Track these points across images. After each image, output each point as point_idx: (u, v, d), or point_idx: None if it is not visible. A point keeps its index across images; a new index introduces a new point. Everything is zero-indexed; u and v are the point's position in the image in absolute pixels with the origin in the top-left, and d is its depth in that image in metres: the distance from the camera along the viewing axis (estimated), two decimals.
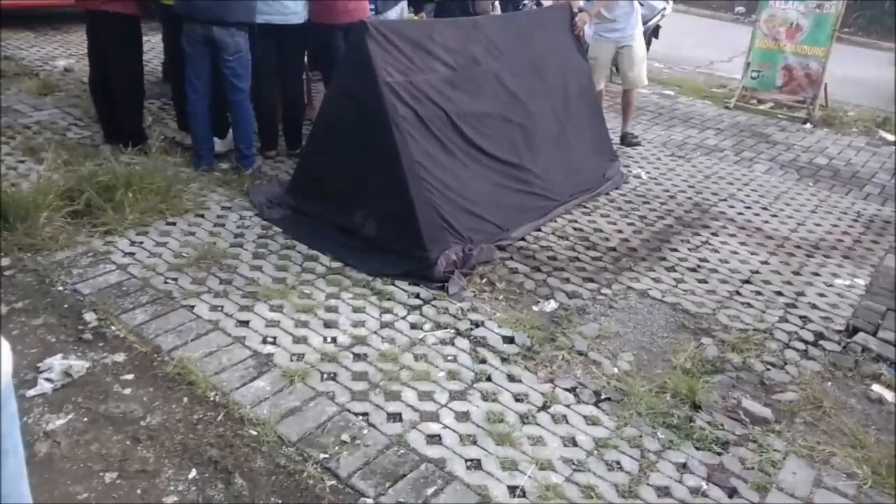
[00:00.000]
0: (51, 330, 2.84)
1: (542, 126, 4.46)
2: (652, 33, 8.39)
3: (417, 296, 3.33)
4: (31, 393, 2.50)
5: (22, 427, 2.29)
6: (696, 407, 2.78)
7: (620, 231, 4.23)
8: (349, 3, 4.39)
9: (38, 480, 2.14)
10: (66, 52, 6.63)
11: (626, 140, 5.79)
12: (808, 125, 6.99)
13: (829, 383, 3.04)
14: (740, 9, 14.49)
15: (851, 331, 3.40)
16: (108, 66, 4.42)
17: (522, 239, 3.98)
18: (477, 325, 3.15)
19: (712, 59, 10.14)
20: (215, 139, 4.53)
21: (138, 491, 2.17)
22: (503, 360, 2.94)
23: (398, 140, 3.56)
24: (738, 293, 3.66)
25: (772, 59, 7.37)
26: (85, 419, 2.42)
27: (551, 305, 3.38)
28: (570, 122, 4.70)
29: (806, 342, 3.30)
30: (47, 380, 2.56)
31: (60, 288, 3.10)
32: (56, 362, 2.63)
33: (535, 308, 3.35)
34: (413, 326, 3.10)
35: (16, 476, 1.22)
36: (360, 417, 2.53)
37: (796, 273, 3.96)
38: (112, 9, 4.19)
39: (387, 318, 3.14)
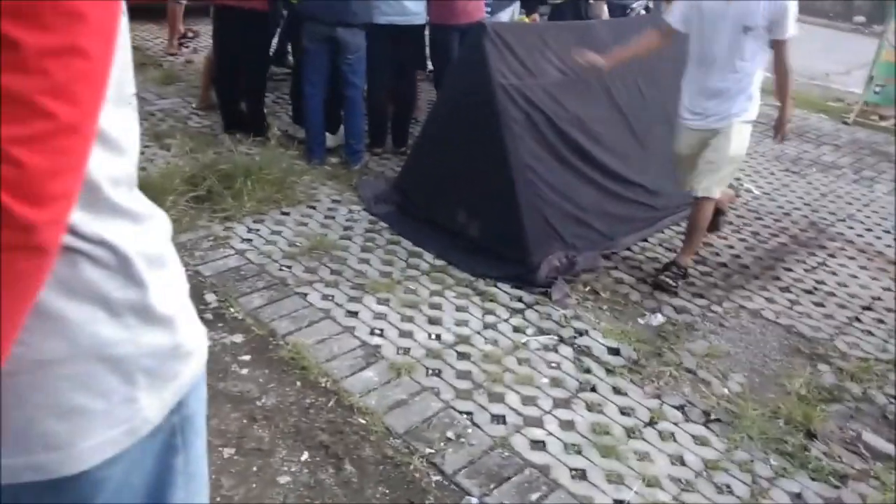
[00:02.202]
0: None
1: (653, 134, 4.36)
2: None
3: (520, 299, 3.32)
4: None
5: None
6: (812, 436, 2.66)
7: (731, 246, 4.09)
8: (468, 4, 4.43)
9: None
10: (187, 46, 6.96)
11: (668, 273, 3.55)
12: None
13: None
14: (860, 18, 13.75)
15: None
16: (235, 60, 4.62)
17: (628, 249, 3.91)
18: (581, 334, 3.12)
19: (828, 72, 9.65)
20: (327, 134, 4.66)
21: (254, 468, 2.26)
22: (608, 371, 2.89)
23: (509, 142, 3.57)
24: (857, 319, 3.48)
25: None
26: (206, 395, 2.53)
27: (658, 319, 3.31)
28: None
29: None
30: None
31: (183, 268, 3.26)
32: None
33: (640, 321, 3.29)
34: (516, 330, 3.10)
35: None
36: (465, 416, 2.55)
37: None
38: (243, 4, 4.38)
39: (489, 319, 3.15)
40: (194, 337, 0.90)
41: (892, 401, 2.91)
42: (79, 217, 0.68)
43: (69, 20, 0.58)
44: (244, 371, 2.68)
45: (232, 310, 3.00)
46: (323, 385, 2.63)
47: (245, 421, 2.45)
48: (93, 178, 0.69)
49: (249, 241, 3.54)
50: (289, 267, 3.35)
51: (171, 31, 6.71)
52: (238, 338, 2.85)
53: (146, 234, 0.81)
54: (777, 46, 3.33)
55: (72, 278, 0.71)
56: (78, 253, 0.71)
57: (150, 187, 3.62)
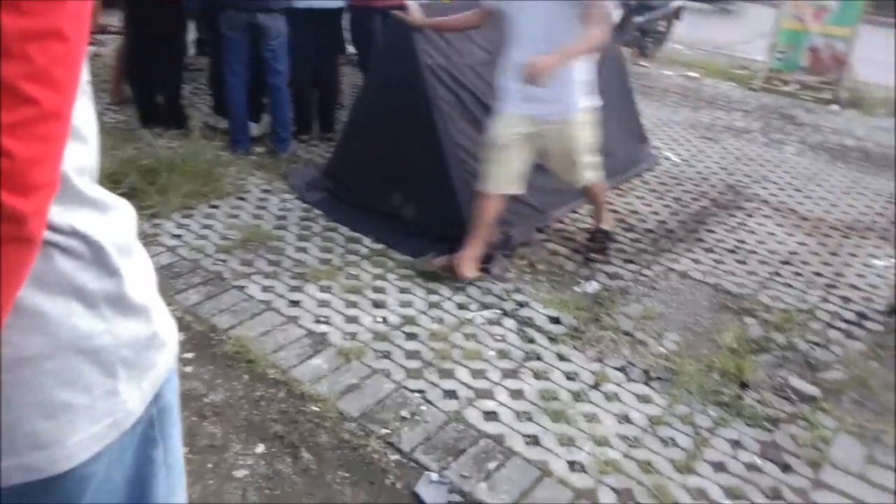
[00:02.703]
0: None
1: None
2: (675, 14, 8.38)
3: None
4: None
5: None
6: (745, 385, 2.81)
7: (656, 213, 4.25)
8: None
9: None
10: (94, 38, 6.65)
11: (594, 245, 3.67)
12: (836, 106, 6.96)
13: (874, 362, 3.06)
14: None
15: (893, 310, 3.42)
16: (149, 51, 4.45)
17: (560, 221, 4.01)
18: (522, 306, 3.18)
19: (733, 41, 10.08)
20: (251, 123, 4.57)
21: (209, 465, 2.23)
22: (551, 339, 2.97)
23: (438, 123, 3.59)
24: (777, 274, 3.68)
25: (797, 40, 7.33)
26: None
27: (594, 286, 3.41)
28: (604, 103, 4.69)
29: (848, 322, 3.32)
30: None
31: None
32: None
33: (577, 289, 3.38)
34: (460, 307, 3.14)
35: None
36: (417, 394, 2.58)
37: (834, 254, 3.97)
38: None
39: (433, 298, 3.18)
40: (168, 326, 0.89)
41: (814, 347, 3.11)
42: (51, 208, 0.67)
43: (49, 2, 0.56)
44: (188, 369, 2.61)
45: (169, 308, 2.91)
46: (272, 376, 2.60)
47: (195, 419, 2.40)
48: (62, 168, 0.67)
49: (179, 236, 3.45)
50: (224, 261, 3.28)
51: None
52: (179, 336, 2.77)
53: (114, 223, 0.79)
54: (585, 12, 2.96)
55: (46, 272, 0.69)
56: (51, 245, 0.69)
57: None
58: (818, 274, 3.72)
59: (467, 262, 3.28)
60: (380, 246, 3.56)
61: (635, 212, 4.23)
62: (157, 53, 4.41)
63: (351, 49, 5.03)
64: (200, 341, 2.76)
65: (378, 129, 3.80)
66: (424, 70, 3.57)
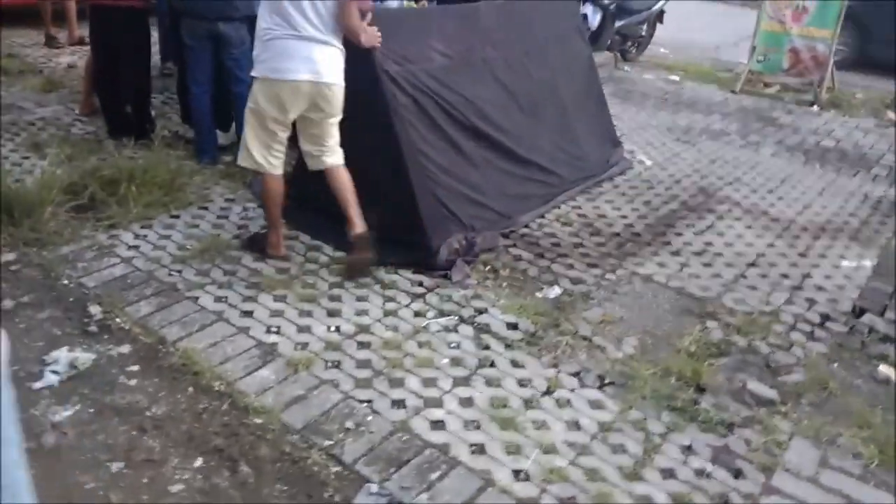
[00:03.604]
0: (56, 323, 2.86)
1: (543, 112, 4.44)
2: (657, 18, 8.36)
3: (421, 284, 3.33)
4: (37, 385, 2.51)
5: (29, 419, 2.33)
6: (701, 390, 2.78)
7: (625, 217, 4.22)
8: None
9: (45, 471, 2.16)
10: (68, 50, 6.64)
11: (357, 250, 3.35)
12: (816, 108, 6.93)
13: (836, 364, 3.02)
14: None
15: (858, 312, 3.38)
16: (115, 61, 4.44)
17: (526, 226, 3.97)
18: (480, 312, 3.15)
19: (718, 44, 10.06)
20: (218, 132, 4.54)
21: (144, 480, 2.19)
22: (507, 346, 2.94)
23: (398, 129, 3.55)
24: (743, 276, 3.65)
25: (778, 41, 7.31)
26: (91, 410, 2.44)
27: (555, 291, 3.38)
28: (572, 107, 4.68)
29: (812, 324, 3.28)
30: (53, 372, 2.57)
31: (66, 282, 3.12)
32: (62, 355, 2.65)
33: (538, 294, 3.35)
34: (417, 314, 3.11)
35: (14, 466, 1.22)
36: (365, 404, 2.54)
37: (802, 255, 3.93)
38: (119, 3, 4.20)
39: (390, 306, 3.14)
40: None
41: (775, 349, 3.07)
42: None
43: None
44: (132, 382, 2.58)
45: (118, 320, 2.89)
46: (216, 389, 2.56)
47: (134, 433, 2.36)
48: None
49: (136, 247, 3.41)
50: (179, 271, 3.25)
51: (47, 28, 6.56)
52: (125, 348, 2.74)
53: None
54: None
55: None
56: None
57: (26, 199, 3.45)
58: (784, 276, 3.68)
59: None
60: (340, 253, 3.52)
61: (603, 216, 4.20)
62: (122, 64, 4.39)
63: None
64: (147, 354, 2.72)
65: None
66: (382, 76, 3.54)
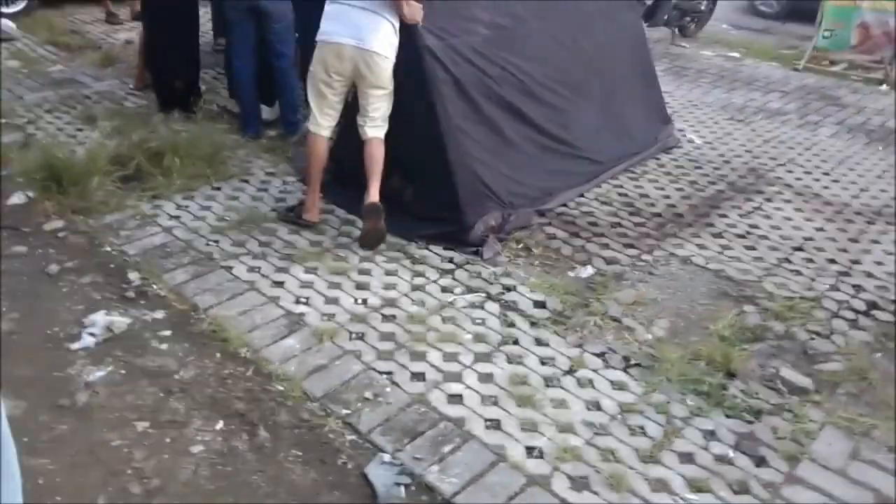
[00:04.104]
0: (97, 288, 2.98)
1: (588, 87, 4.34)
2: None
3: (451, 260, 3.33)
4: (75, 346, 2.63)
5: (65, 378, 2.44)
6: (731, 375, 2.70)
7: (668, 196, 4.11)
8: None
9: (76, 427, 2.28)
10: (128, 26, 6.83)
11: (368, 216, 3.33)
12: (884, 87, 6.57)
13: (879, 354, 2.89)
14: None
15: None
16: (164, 36, 4.54)
17: (564, 205, 3.91)
18: (509, 290, 3.13)
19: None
20: (264, 107, 4.61)
21: (167, 440, 2.27)
22: (532, 324, 2.91)
23: (437, 104, 3.53)
24: (787, 260, 3.51)
25: (846, 16, 6.95)
26: (123, 372, 2.54)
27: (588, 271, 3.32)
28: (619, 82, 4.56)
29: (857, 311, 3.14)
30: (91, 334, 2.69)
31: (108, 249, 3.24)
32: (99, 318, 2.76)
33: (570, 274, 3.30)
34: (444, 290, 3.11)
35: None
36: (385, 376, 2.57)
37: (853, 240, 3.76)
38: None
39: (418, 281, 3.15)
40: None
41: (814, 337, 2.96)
42: None
43: None
44: (163, 346, 2.67)
45: (155, 287, 2.99)
46: (243, 355, 2.63)
47: (161, 394, 2.45)
48: None
49: (178, 217, 3.51)
50: (216, 241, 3.33)
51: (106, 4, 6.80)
52: (159, 314, 2.83)
53: None
54: None
55: None
56: None
57: (74, 169, 3.58)
58: (832, 261, 3.53)
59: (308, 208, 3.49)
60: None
61: (645, 195, 4.10)
62: (171, 39, 4.50)
63: None
64: (180, 320, 2.81)
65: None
66: (424, 51, 3.51)
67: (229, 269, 3.14)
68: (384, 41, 3.28)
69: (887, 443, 2.41)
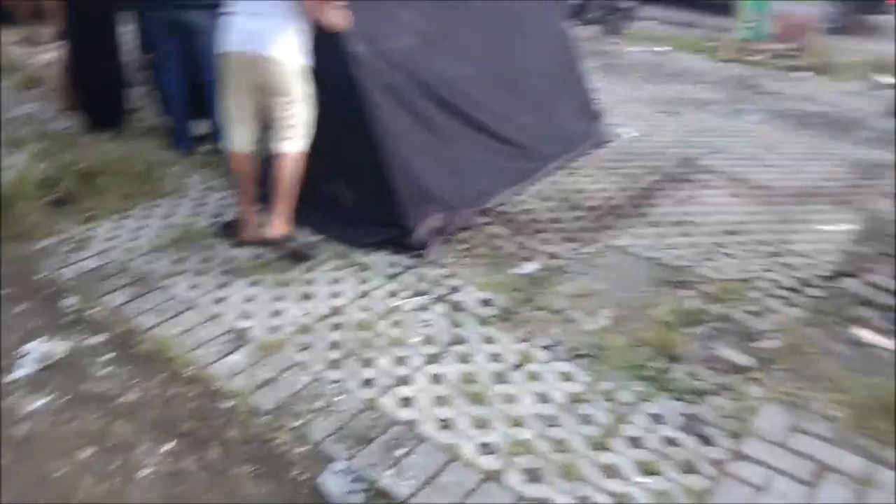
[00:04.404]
0: (32, 315, 2.88)
1: (520, 87, 4.41)
2: None
3: (396, 264, 3.33)
4: (11, 377, 2.54)
5: (2, 410, 2.35)
6: (675, 359, 2.77)
7: (604, 190, 4.20)
8: None
9: (17, 459, 2.20)
10: (51, 46, 6.61)
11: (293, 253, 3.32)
12: (804, 73, 6.86)
13: (813, 329, 3.01)
14: None
15: (837, 276, 3.37)
16: (86, 54, 4.44)
17: (503, 203, 3.96)
18: (455, 290, 3.15)
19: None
20: (197, 121, 4.53)
21: (115, 465, 2.21)
22: (480, 322, 2.94)
23: (371, 110, 3.53)
24: (721, 245, 3.63)
25: (762, 8, 7.24)
26: (64, 399, 2.47)
27: (531, 267, 3.37)
28: (548, 81, 4.64)
29: (790, 289, 3.27)
30: (28, 363, 2.60)
31: (42, 275, 3.14)
32: (36, 346, 2.68)
33: (514, 270, 3.34)
34: (391, 294, 3.11)
35: None
36: (335, 384, 2.55)
37: (784, 221, 3.91)
38: None
39: (364, 287, 3.15)
40: None
41: (751, 316, 3.06)
42: None
43: None
44: (105, 370, 2.60)
45: (93, 310, 2.91)
46: (188, 374, 2.58)
47: (106, 420, 2.39)
48: None
49: (114, 238, 3.43)
50: (154, 261, 3.26)
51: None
52: (100, 338, 2.76)
53: None
54: None
55: None
56: None
57: (3, 195, 3.46)
58: (763, 243, 3.66)
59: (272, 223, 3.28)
60: (317, 238, 3.52)
61: (581, 190, 4.18)
62: (94, 58, 4.39)
63: None
64: (121, 342, 2.75)
65: (315, 119, 3.76)
66: (350, 58, 3.52)
67: (168, 288, 3.08)
68: (285, 47, 3.11)
69: (825, 413, 2.51)
